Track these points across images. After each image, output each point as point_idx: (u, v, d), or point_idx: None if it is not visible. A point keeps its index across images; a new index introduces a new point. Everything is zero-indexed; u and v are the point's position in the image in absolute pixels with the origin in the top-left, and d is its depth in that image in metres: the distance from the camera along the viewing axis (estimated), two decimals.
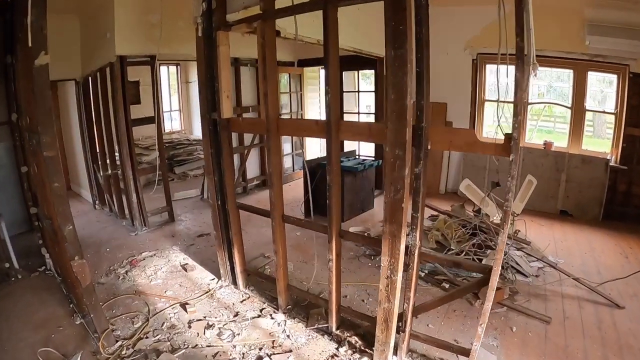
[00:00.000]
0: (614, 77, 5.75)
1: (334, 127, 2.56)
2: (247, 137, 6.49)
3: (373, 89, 6.60)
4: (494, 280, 2.49)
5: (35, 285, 3.84)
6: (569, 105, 6.09)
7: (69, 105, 6.31)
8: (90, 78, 5.41)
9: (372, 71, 6.45)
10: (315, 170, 5.31)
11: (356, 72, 7.06)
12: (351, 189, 5.28)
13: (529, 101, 6.30)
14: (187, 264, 4.21)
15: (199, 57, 3.23)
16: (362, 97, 7.69)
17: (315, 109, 7.76)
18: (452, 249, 4.31)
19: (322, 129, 2.63)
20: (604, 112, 5.96)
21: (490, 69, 6.31)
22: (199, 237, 4.95)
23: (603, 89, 6.14)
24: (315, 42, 3.50)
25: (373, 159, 6.40)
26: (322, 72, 11.20)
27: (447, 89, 6.34)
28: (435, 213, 5.33)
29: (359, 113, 7.04)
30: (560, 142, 6.32)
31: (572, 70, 5.90)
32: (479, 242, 4.32)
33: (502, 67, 2.55)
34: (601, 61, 5.45)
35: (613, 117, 5.77)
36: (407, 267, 2.53)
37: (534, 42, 2.34)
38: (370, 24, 5.83)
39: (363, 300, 3.58)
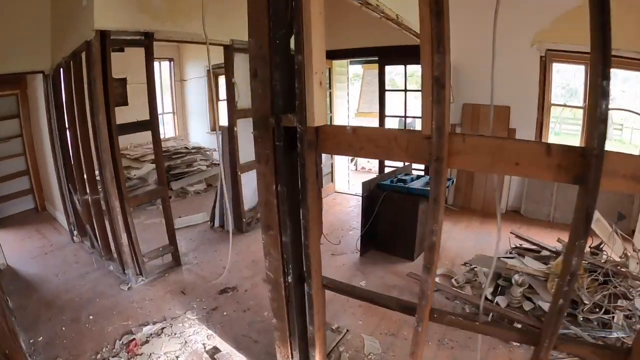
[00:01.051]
0: None
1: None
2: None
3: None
4: None
5: None
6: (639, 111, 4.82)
7: (39, 105, 4.49)
8: (61, 69, 3.61)
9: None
10: (374, 195, 3.69)
11: (404, 67, 5.41)
12: (424, 218, 3.69)
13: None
14: (215, 349, 2.53)
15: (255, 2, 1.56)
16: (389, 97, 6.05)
17: (342, 110, 6.12)
18: (586, 304, 2.84)
19: (561, 165, 1.06)
20: None
21: (557, 68, 4.89)
22: (222, 295, 3.24)
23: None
24: None
25: (422, 174, 4.82)
26: (353, 67, 9.34)
27: (510, 90, 4.87)
28: (529, 246, 3.83)
29: (405, 117, 5.42)
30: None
31: None
32: (612, 291, 2.87)
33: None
34: None
35: None
36: None
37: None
38: None
39: None
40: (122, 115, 3.56)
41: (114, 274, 3.53)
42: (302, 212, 1.64)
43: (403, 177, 3.96)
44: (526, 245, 3.93)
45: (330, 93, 5.80)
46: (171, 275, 3.55)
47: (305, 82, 1.51)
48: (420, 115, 1.27)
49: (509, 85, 4.89)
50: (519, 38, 4.77)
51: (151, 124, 3.45)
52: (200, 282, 3.42)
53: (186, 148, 6.63)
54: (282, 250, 1.77)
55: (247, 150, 4.30)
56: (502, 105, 4.96)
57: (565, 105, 5.03)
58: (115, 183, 3.14)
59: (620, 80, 4.78)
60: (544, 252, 3.65)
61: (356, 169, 7.70)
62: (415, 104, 5.41)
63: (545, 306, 2.86)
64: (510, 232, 3.99)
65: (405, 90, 5.33)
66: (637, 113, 4.89)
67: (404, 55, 4.95)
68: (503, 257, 3.72)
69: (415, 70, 5.78)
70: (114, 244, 3.45)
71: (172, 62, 7.37)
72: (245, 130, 4.29)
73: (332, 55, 5.48)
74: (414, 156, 1.32)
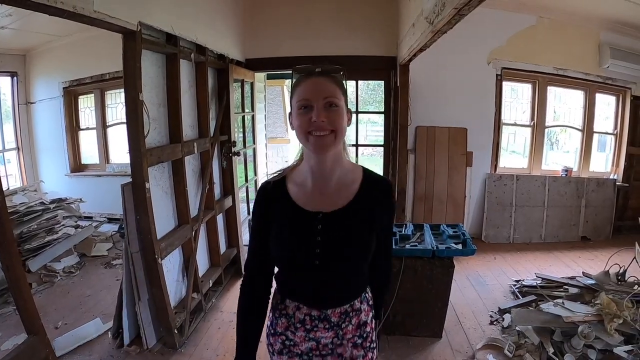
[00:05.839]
0: (611, 99, 4.93)
1: None
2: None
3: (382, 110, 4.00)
4: None
5: None
6: (580, 127, 4.83)
7: None
8: None
9: (381, 82, 3.88)
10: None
11: (355, 83, 4.05)
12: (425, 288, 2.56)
13: (547, 124, 4.77)
14: None
15: None
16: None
17: (262, 136, 4.70)
18: None
19: None
20: (606, 132, 4.93)
21: (509, 86, 4.55)
22: None
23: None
24: None
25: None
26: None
27: (467, 110, 4.33)
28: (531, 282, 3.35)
29: (357, 145, 4.14)
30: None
31: (583, 92, 4.81)
32: None
33: None
34: (610, 84, 4.69)
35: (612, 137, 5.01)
36: None
37: None
38: None
39: None
40: None
41: None
42: None
43: (398, 231, 2.83)
44: (527, 282, 3.40)
45: (252, 117, 4.29)
46: None
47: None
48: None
49: (466, 106, 4.31)
50: (476, 55, 4.20)
51: None
52: None
53: (42, 203, 4.25)
54: None
55: (165, 215, 2.62)
56: (459, 127, 4.28)
57: (515, 124, 4.72)
58: None
59: (569, 98, 4.70)
60: (572, 289, 3.06)
61: None
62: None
63: (619, 350, 2.33)
64: (536, 275, 3.45)
65: (357, 112, 4.09)
66: (573, 127, 4.89)
67: (358, 68, 3.85)
68: (525, 301, 3.07)
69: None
70: None
71: (15, 78, 4.86)
72: (159, 185, 2.57)
73: (254, 65, 3.93)
74: None
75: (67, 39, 4.81)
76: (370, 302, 1.18)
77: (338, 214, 1.04)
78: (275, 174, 1.14)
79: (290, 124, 1.05)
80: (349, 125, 1.04)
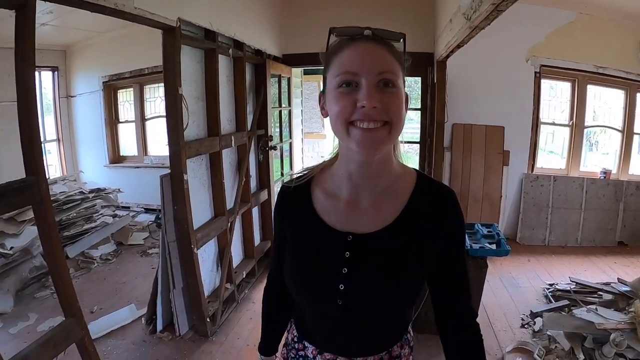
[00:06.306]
0: None
1: None
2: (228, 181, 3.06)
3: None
4: None
5: None
6: (620, 128, 4.59)
7: None
8: None
9: (418, 79, 3.82)
10: None
11: None
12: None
13: (586, 124, 4.59)
14: None
15: None
16: None
17: (298, 131, 4.74)
18: None
19: None
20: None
21: (547, 84, 4.39)
22: None
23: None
24: None
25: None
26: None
27: (504, 109, 4.21)
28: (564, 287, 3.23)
29: None
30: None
31: (623, 91, 4.55)
32: None
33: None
34: None
35: None
36: None
37: None
38: None
39: None
40: None
41: None
42: None
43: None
44: (560, 286, 3.28)
45: (289, 112, 4.36)
46: None
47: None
48: None
49: (503, 103, 4.18)
50: (513, 53, 4.07)
51: (32, 189, 1.38)
52: None
53: (82, 192, 4.45)
54: None
55: (202, 206, 2.68)
56: (496, 126, 4.18)
57: (553, 124, 4.56)
58: None
59: (609, 97, 4.49)
60: (606, 295, 2.94)
61: None
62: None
63: None
64: (570, 279, 3.34)
65: None
66: (613, 128, 4.67)
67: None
68: (558, 306, 2.96)
69: None
70: None
71: (55, 73, 5.09)
72: (197, 177, 2.64)
73: (291, 60, 3.91)
74: None
75: (107, 35, 4.97)
76: (412, 344, 0.93)
77: (375, 238, 0.76)
78: (299, 175, 0.87)
79: (322, 109, 0.76)
80: (405, 115, 0.73)
